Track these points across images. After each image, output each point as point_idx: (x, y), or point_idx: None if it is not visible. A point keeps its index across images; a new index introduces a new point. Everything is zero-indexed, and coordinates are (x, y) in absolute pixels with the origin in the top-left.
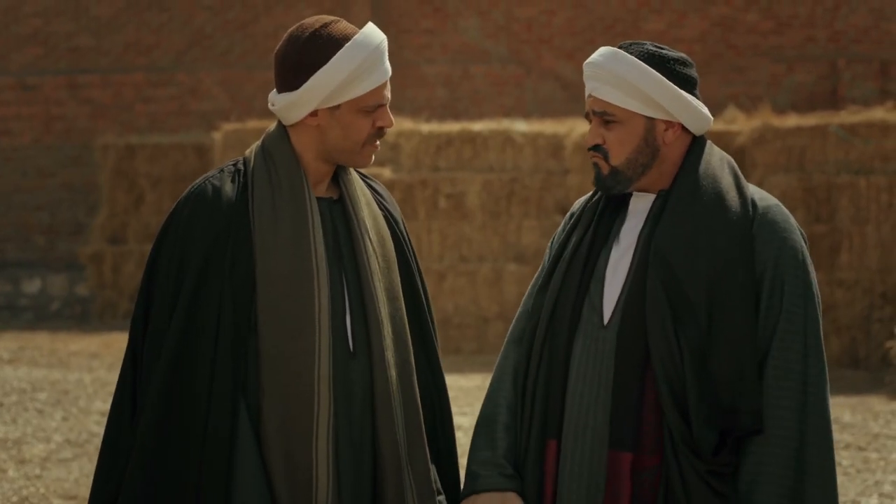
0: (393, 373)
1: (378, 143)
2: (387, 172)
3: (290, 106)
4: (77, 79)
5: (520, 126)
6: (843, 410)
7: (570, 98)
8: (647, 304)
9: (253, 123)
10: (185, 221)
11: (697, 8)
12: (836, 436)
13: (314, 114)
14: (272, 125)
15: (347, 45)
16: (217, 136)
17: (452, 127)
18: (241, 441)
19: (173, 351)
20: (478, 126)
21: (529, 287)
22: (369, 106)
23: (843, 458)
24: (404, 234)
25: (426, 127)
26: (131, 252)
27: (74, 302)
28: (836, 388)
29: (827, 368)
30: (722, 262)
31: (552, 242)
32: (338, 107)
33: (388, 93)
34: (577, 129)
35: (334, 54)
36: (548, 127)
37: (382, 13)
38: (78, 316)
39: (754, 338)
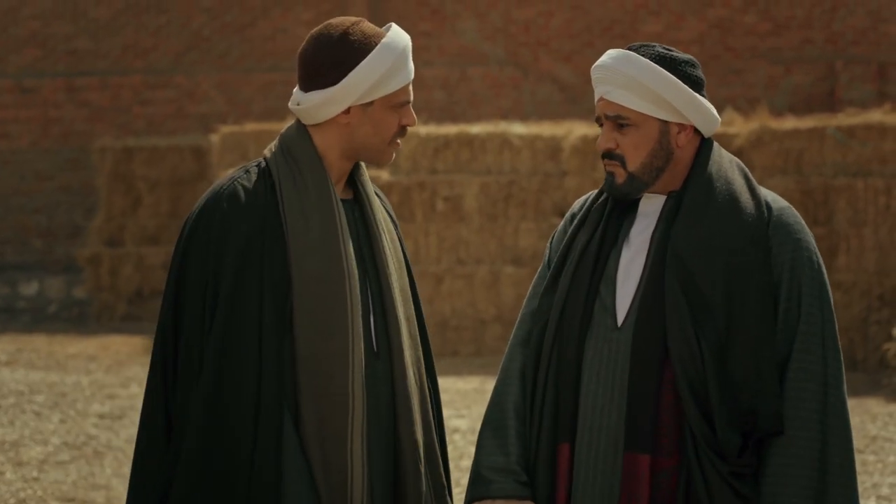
0: (410, 372)
1: (399, 141)
2: (384, 175)
3: (326, 103)
4: (75, 81)
5: (517, 128)
6: None
7: (568, 100)
8: (667, 306)
9: (251, 126)
10: (219, 222)
11: (695, 10)
12: None
13: (346, 111)
14: (275, 127)
15: (383, 41)
16: (215, 138)
17: (450, 129)
18: (287, 447)
19: (217, 355)
20: (475, 128)
21: (531, 288)
22: (399, 102)
23: None
24: (401, 236)
25: (424, 129)
26: (129, 254)
27: (72, 304)
28: None
29: (843, 369)
30: (739, 264)
31: (551, 242)
32: (371, 103)
33: (412, 91)
34: (575, 131)
35: (371, 51)
36: (545, 129)
37: (380, 16)
38: (75, 318)
39: (772, 339)
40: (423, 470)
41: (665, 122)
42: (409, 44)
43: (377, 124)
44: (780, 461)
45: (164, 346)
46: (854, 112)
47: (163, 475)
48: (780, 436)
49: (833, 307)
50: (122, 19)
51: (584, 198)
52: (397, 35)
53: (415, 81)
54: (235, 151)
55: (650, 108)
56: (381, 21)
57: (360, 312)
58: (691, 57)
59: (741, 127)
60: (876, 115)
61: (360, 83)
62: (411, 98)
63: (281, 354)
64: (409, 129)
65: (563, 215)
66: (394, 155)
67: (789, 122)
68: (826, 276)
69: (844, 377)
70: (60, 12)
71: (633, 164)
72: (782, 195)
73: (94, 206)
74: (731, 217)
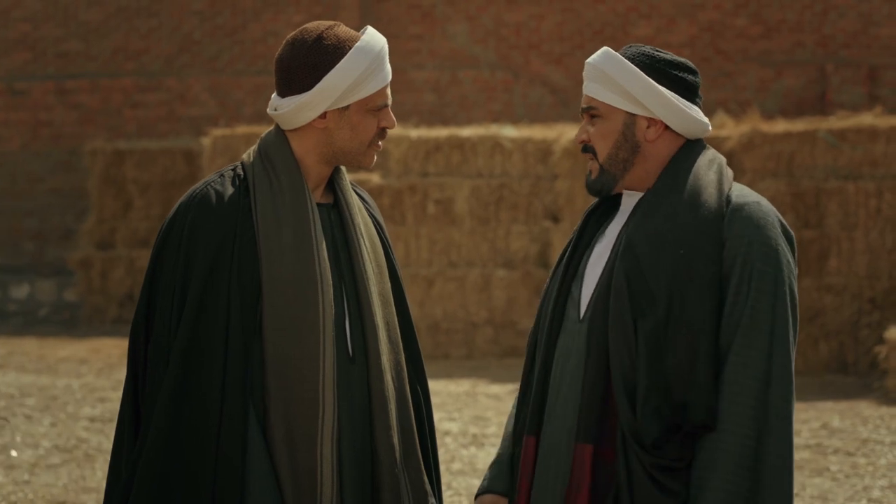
0: (388, 378)
1: (380, 143)
2: (375, 178)
3: (302, 107)
4: (66, 84)
5: (508, 131)
6: (832, 415)
7: (559, 103)
8: (612, 295)
9: (242, 129)
10: (189, 226)
11: (686, 13)
12: (825, 441)
13: (323, 115)
14: (266, 130)
15: (357, 45)
16: (206, 141)
17: (441, 132)
18: (252, 448)
19: (182, 357)
20: (466, 131)
21: None
22: (376, 106)
23: (831, 464)
24: (388, 240)
25: (415, 132)
26: (120, 257)
27: (63, 307)
28: (825, 394)
29: (793, 368)
30: (685, 256)
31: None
32: (347, 107)
33: (390, 94)
34: (566, 134)
35: (345, 55)
36: (536, 132)
37: (371, 19)
38: (66, 321)
39: (711, 333)
40: (401, 475)
41: (631, 116)
42: (385, 46)
43: (354, 128)
44: (709, 455)
45: (136, 347)
46: (845, 115)
47: (127, 472)
48: (713, 431)
49: (792, 303)
50: (113, 22)
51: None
52: (372, 38)
53: (406, 84)
54: (226, 154)
55: (615, 99)
56: (372, 24)
57: (333, 316)
58: (684, 61)
59: (732, 130)
60: (867, 118)
61: (334, 88)
62: (389, 101)
63: (248, 356)
64: (401, 132)
65: (554, 218)
66: (375, 157)
67: (780, 125)
68: (788, 271)
69: (793, 377)
70: (51, 15)
71: (601, 154)
72: (773, 198)
73: (85, 208)
74: (688, 210)
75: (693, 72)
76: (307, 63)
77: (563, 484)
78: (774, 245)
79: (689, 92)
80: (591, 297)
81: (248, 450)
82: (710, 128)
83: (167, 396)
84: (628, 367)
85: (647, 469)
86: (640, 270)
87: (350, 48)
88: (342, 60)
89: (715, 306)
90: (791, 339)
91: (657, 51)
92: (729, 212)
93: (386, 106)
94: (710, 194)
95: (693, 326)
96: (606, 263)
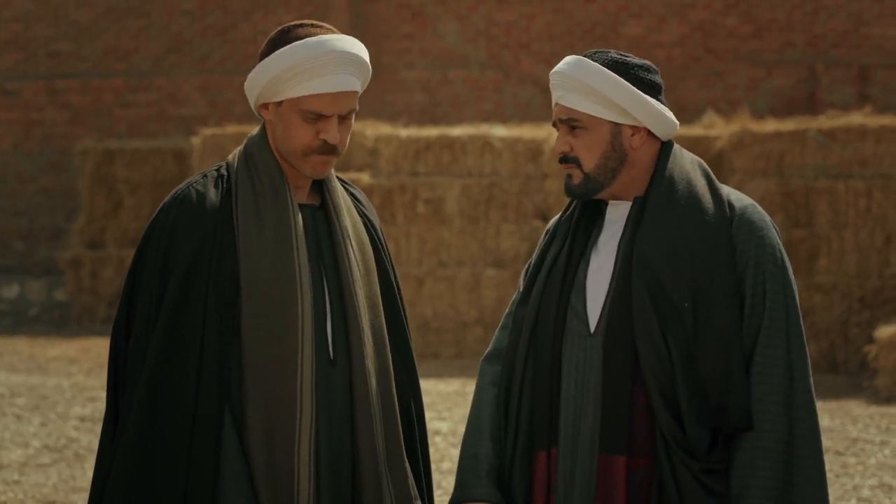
0: (373, 381)
1: (327, 157)
2: (365, 177)
3: (246, 93)
4: (56, 84)
5: (498, 131)
6: (822, 415)
7: (549, 103)
8: (634, 310)
9: (232, 128)
10: (170, 226)
11: (676, 12)
12: None
13: (265, 107)
14: (254, 129)
15: (298, 42)
16: (196, 141)
17: (431, 132)
18: (226, 448)
19: (158, 356)
20: (456, 131)
21: (508, 307)
22: (309, 112)
23: None
24: (382, 240)
25: (405, 132)
26: (110, 257)
27: (53, 307)
28: (815, 393)
29: (809, 361)
30: (703, 265)
31: (527, 268)
32: (281, 103)
33: (338, 107)
34: (556, 134)
35: (282, 48)
36: (526, 132)
37: (361, 18)
38: (56, 321)
39: (739, 337)
40: (383, 479)
41: (616, 125)
42: (344, 56)
43: (286, 128)
44: (747, 455)
45: (117, 346)
46: (835, 114)
47: (104, 470)
48: (749, 430)
49: (798, 301)
50: (104, 22)
51: (558, 216)
52: (323, 41)
53: (396, 84)
54: (216, 154)
55: (600, 110)
56: (362, 23)
57: (312, 318)
58: (647, 62)
59: (722, 129)
60: (857, 118)
61: (258, 78)
62: (330, 113)
63: (224, 358)
64: (391, 131)
65: (544, 218)
66: (322, 170)
67: (770, 125)
68: (790, 270)
69: (810, 370)
70: (41, 15)
71: (588, 165)
72: (763, 198)
73: (75, 208)
74: (694, 219)
75: (656, 71)
76: (261, 52)
77: (590, 497)
78: (777, 245)
79: (658, 93)
80: (602, 311)
81: (222, 451)
82: (678, 126)
83: (142, 395)
84: (664, 379)
85: (695, 474)
86: (661, 285)
87: (292, 44)
88: (273, 53)
89: (739, 311)
90: (803, 331)
91: (623, 55)
92: (733, 217)
93: (325, 117)
94: (708, 200)
95: (723, 334)
96: (613, 276)
